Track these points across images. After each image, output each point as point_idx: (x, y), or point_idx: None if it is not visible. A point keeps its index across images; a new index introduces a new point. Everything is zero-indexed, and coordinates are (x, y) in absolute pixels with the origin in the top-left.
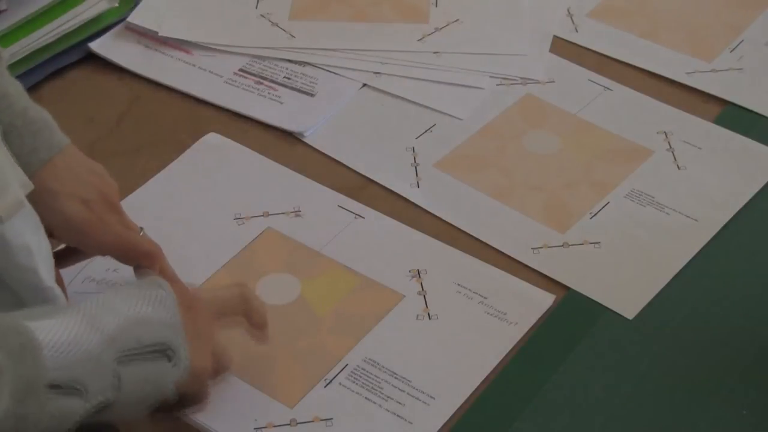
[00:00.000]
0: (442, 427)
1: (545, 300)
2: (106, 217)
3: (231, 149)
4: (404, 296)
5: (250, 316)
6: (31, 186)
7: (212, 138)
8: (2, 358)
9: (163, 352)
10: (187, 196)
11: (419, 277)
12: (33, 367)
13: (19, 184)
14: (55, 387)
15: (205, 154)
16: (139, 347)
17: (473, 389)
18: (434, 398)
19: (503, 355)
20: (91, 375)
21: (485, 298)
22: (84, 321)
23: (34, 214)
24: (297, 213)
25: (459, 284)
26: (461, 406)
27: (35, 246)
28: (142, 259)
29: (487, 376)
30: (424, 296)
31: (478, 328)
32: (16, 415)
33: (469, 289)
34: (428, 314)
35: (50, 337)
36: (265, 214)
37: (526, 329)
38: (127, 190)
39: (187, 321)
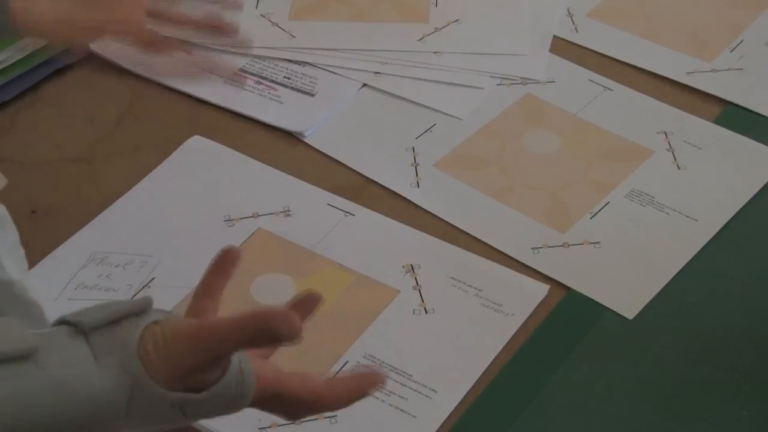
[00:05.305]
0: (446, 420)
1: (540, 290)
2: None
3: (215, 152)
4: (399, 291)
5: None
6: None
7: (196, 142)
8: None
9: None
10: (174, 200)
11: (413, 272)
12: None
13: None
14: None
15: (189, 159)
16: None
17: (474, 381)
18: (436, 391)
19: (502, 346)
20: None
21: (480, 290)
22: None
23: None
24: (287, 213)
25: (453, 278)
26: (461, 406)
27: None
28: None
29: (488, 376)
30: (420, 291)
31: (474, 321)
32: None
33: (464, 282)
34: (425, 308)
35: None
36: (255, 215)
37: (522, 320)
38: (127, 190)
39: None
